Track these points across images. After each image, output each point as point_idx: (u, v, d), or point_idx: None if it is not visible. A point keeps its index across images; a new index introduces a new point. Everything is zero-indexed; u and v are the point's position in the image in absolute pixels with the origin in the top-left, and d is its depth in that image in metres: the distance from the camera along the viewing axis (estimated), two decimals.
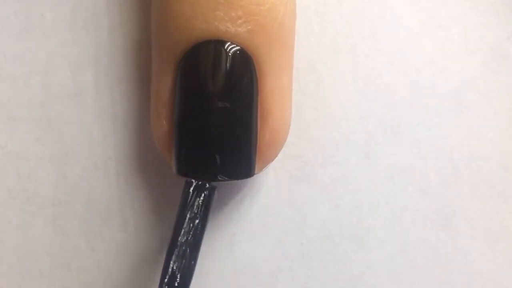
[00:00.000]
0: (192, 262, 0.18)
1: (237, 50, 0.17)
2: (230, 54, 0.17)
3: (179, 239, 0.18)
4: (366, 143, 0.21)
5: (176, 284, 0.17)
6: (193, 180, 0.18)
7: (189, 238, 0.18)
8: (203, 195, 0.18)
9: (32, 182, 0.21)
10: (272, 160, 0.19)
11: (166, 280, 0.17)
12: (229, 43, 0.17)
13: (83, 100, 0.21)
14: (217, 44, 0.17)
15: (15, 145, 0.21)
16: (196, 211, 0.18)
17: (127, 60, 0.21)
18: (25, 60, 0.21)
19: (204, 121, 0.17)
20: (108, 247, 0.21)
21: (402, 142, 0.21)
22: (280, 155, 0.19)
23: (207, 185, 0.18)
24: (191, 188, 0.18)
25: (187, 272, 0.18)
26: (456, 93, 0.21)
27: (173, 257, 0.18)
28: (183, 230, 0.18)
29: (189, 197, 0.18)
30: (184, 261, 0.18)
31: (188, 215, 0.18)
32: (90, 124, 0.21)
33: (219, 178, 0.18)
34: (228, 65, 0.17)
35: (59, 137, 0.21)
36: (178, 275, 0.18)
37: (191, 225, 0.18)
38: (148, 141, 0.20)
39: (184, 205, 0.18)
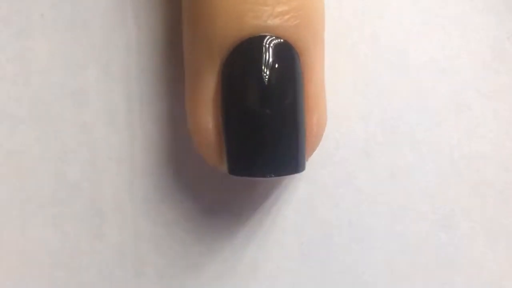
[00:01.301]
0: None
1: (285, 44, 0.17)
2: (278, 49, 0.17)
3: None
4: (366, 143, 0.21)
5: None
6: None
7: None
8: None
9: (32, 182, 0.21)
10: (316, 149, 0.19)
11: None
12: (275, 38, 0.17)
13: (83, 100, 0.21)
14: (266, 39, 0.17)
15: (15, 144, 0.20)
16: None
17: (128, 60, 0.20)
18: (25, 59, 0.20)
19: (255, 118, 0.17)
20: (109, 247, 0.21)
21: (402, 142, 0.21)
22: None
23: None
24: None
25: None
26: (456, 93, 0.21)
27: None
28: None
29: None
30: None
31: None
32: (91, 123, 0.21)
33: (272, 175, 0.18)
34: (276, 60, 0.17)
35: (59, 136, 0.21)
36: None
37: None
38: (149, 141, 0.20)
39: None
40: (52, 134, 0.21)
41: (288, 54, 0.17)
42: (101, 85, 0.20)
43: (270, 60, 0.17)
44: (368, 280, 0.21)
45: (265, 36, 0.17)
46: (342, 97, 0.21)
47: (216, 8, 0.17)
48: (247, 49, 0.17)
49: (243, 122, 0.17)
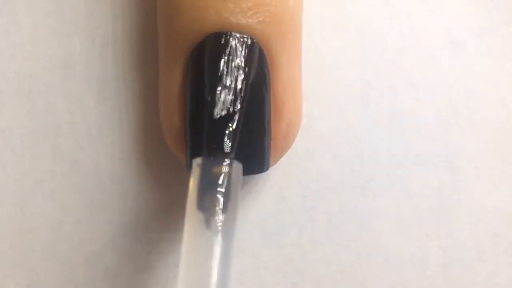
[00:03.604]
0: None
1: (248, 41, 0.17)
2: (241, 46, 0.17)
3: None
4: (362, 90, 0.20)
5: None
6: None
7: None
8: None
9: (27, 157, 0.20)
10: (287, 151, 0.19)
11: None
12: (240, 35, 0.17)
13: (72, 69, 0.20)
14: (228, 36, 0.17)
15: (6, 120, 0.20)
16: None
17: (114, 25, 0.20)
18: (8, 33, 0.20)
19: (215, 116, 0.17)
20: (110, 217, 0.20)
21: (398, 87, 0.21)
22: None
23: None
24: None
25: None
26: (448, 32, 0.21)
27: None
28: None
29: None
30: None
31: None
32: (82, 93, 0.20)
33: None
34: (239, 57, 0.17)
35: (51, 108, 0.20)
36: None
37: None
38: (141, 107, 0.20)
39: None
40: (43, 107, 0.20)
41: (251, 51, 0.17)
42: (90, 53, 0.20)
43: (232, 57, 0.17)
44: (375, 228, 0.20)
45: (227, 33, 0.17)
46: (333, 46, 0.20)
47: (181, 4, 0.17)
48: (209, 46, 0.17)
49: (204, 120, 0.17)
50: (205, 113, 0.17)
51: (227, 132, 0.17)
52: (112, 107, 0.20)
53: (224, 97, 0.17)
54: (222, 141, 0.16)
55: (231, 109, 0.17)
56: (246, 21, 0.17)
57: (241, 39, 0.17)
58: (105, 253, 0.20)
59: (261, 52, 0.17)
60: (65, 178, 0.20)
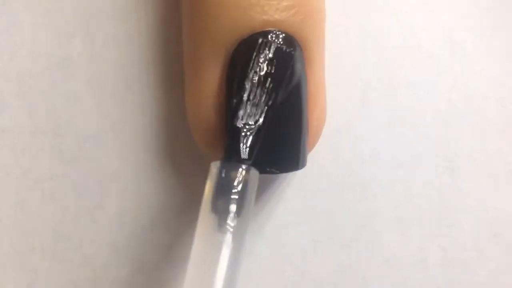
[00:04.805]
0: None
1: (290, 38, 0.17)
2: (283, 43, 0.17)
3: None
4: (363, 90, 0.20)
5: None
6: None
7: None
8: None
9: (27, 157, 0.20)
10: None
11: None
12: (282, 33, 0.17)
13: (72, 69, 0.20)
14: (271, 33, 0.17)
15: (7, 120, 0.20)
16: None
17: (114, 25, 0.20)
18: (8, 32, 0.20)
19: (259, 113, 0.17)
20: (109, 217, 0.20)
21: (398, 86, 0.21)
22: None
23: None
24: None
25: None
26: (448, 32, 0.21)
27: None
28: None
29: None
30: None
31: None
32: (82, 93, 0.20)
33: (274, 172, 0.18)
34: (282, 54, 0.17)
35: (51, 108, 0.20)
36: None
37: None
38: (143, 108, 0.20)
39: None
40: (43, 106, 0.20)
41: (293, 49, 0.17)
42: (90, 52, 0.20)
43: (276, 54, 0.17)
44: (375, 228, 0.20)
45: (271, 31, 0.17)
46: (334, 46, 0.20)
47: (222, 3, 0.17)
48: (254, 43, 0.17)
49: (246, 117, 0.17)
50: (229, 116, 0.17)
51: (247, 137, 0.17)
52: (112, 107, 0.20)
53: (269, 97, 0.17)
54: (239, 147, 0.17)
55: (258, 115, 0.17)
56: (288, 19, 0.17)
57: (284, 37, 0.17)
58: (105, 253, 0.20)
59: (300, 49, 0.17)
60: (64, 178, 0.20)
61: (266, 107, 0.17)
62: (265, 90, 0.17)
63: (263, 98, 0.17)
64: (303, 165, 0.18)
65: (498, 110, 0.21)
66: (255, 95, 0.17)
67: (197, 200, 0.20)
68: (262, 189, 0.20)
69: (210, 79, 0.18)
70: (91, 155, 0.20)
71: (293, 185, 0.20)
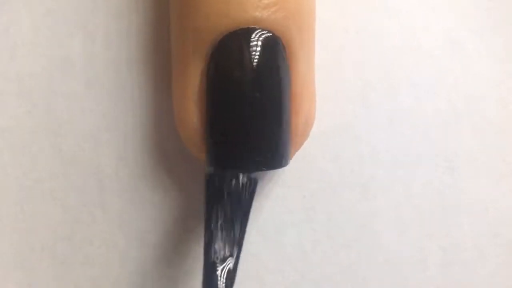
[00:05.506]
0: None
1: (271, 37, 0.17)
2: (264, 41, 0.17)
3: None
4: (362, 90, 0.20)
5: None
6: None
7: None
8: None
9: (27, 157, 0.20)
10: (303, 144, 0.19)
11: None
12: (262, 30, 0.17)
13: (72, 69, 0.20)
14: (251, 31, 0.17)
15: (7, 120, 0.20)
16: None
17: (114, 25, 0.20)
18: (8, 32, 0.20)
19: (242, 111, 0.17)
20: (109, 216, 0.20)
21: (398, 86, 0.21)
22: None
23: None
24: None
25: None
26: (448, 32, 0.21)
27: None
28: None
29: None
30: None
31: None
32: (81, 93, 0.20)
33: (261, 169, 0.17)
34: (263, 52, 0.17)
35: (51, 108, 0.20)
36: None
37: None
38: (142, 107, 0.20)
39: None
40: (43, 106, 0.20)
41: (274, 46, 0.17)
42: (90, 53, 0.20)
43: (257, 52, 0.17)
44: (375, 228, 0.20)
45: (251, 28, 0.17)
46: (334, 46, 0.20)
47: (203, 0, 0.17)
48: (234, 42, 0.17)
49: (227, 115, 0.17)
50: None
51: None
52: (112, 107, 0.20)
53: (250, 95, 0.17)
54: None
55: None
56: (269, 16, 0.17)
57: (264, 34, 0.17)
58: (104, 253, 0.20)
59: (282, 47, 0.17)
60: (64, 178, 0.20)
61: (247, 106, 0.17)
62: (247, 88, 0.17)
63: (245, 97, 0.17)
64: (285, 164, 0.18)
65: (498, 110, 0.21)
66: (238, 94, 0.17)
67: (192, 200, 0.20)
68: (261, 190, 0.20)
69: (193, 78, 0.17)
70: (91, 155, 0.20)
71: (293, 185, 0.20)
